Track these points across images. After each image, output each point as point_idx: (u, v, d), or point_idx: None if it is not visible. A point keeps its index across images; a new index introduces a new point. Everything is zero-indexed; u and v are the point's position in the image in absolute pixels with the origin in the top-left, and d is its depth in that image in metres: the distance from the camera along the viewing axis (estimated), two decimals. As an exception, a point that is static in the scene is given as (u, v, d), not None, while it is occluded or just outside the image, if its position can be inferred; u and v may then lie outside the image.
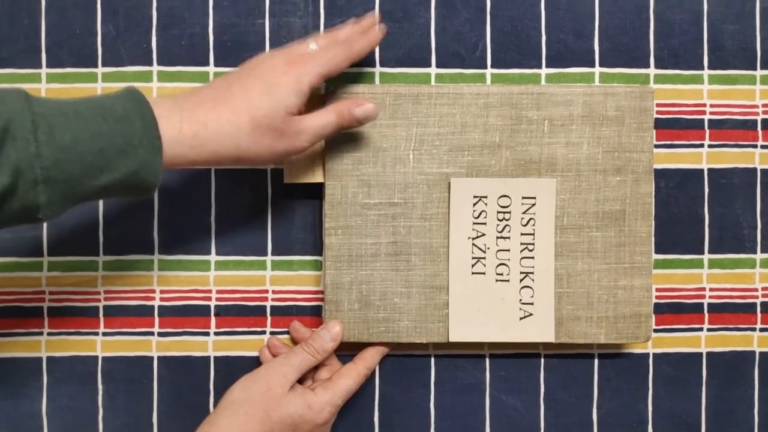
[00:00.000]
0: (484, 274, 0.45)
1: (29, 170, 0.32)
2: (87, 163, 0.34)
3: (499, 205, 0.45)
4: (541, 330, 0.46)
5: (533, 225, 0.46)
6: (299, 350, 0.44)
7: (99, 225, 0.47)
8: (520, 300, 0.46)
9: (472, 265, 0.45)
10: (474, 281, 0.45)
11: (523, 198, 0.45)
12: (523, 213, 0.45)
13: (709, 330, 0.49)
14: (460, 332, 0.45)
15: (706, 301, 0.49)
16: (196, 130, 0.37)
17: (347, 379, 0.44)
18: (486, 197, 0.45)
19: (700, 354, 0.49)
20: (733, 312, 0.49)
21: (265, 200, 0.48)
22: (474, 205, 0.45)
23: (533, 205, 0.45)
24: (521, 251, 0.46)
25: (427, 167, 0.45)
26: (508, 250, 0.46)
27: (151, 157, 0.35)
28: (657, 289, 0.49)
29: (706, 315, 0.49)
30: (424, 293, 0.46)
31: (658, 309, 0.49)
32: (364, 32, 0.43)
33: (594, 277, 0.46)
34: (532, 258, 0.46)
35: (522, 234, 0.46)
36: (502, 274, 0.46)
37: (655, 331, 0.48)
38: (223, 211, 0.47)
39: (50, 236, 0.47)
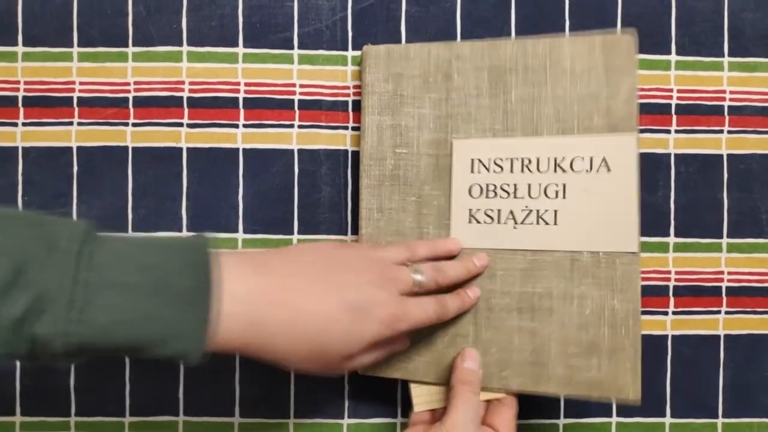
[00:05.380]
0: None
1: (52, 343, 0.29)
2: (118, 345, 0.31)
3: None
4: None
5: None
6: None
7: (128, 203, 0.48)
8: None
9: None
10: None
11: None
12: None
13: (726, 313, 0.49)
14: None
15: (724, 285, 0.49)
16: (259, 333, 0.33)
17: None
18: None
19: (718, 336, 0.49)
20: (750, 295, 0.49)
21: (292, 180, 0.48)
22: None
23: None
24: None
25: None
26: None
27: (192, 349, 0.32)
28: (676, 272, 0.49)
29: (724, 298, 0.49)
30: None
31: (677, 292, 0.49)
32: (468, 275, 0.42)
33: None
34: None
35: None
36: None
37: (674, 313, 0.49)
38: (251, 190, 0.48)
39: (79, 213, 0.48)
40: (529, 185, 0.43)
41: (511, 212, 0.43)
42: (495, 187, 0.43)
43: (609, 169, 0.41)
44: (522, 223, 0.43)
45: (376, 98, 0.45)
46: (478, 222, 0.44)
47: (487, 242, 0.44)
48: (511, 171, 0.43)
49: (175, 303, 0.31)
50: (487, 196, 0.44)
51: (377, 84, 0.45)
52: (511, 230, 0.43)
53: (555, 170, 0.42)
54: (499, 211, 0.43)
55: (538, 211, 0.43)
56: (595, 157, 0.42)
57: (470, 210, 0.44)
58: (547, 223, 0.42)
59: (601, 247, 0.41)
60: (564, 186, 0.42)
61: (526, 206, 0.43)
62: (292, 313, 0.34)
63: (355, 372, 0.47)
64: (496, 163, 0.43)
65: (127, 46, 0.48)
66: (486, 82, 0.44)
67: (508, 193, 0.43)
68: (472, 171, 0.44)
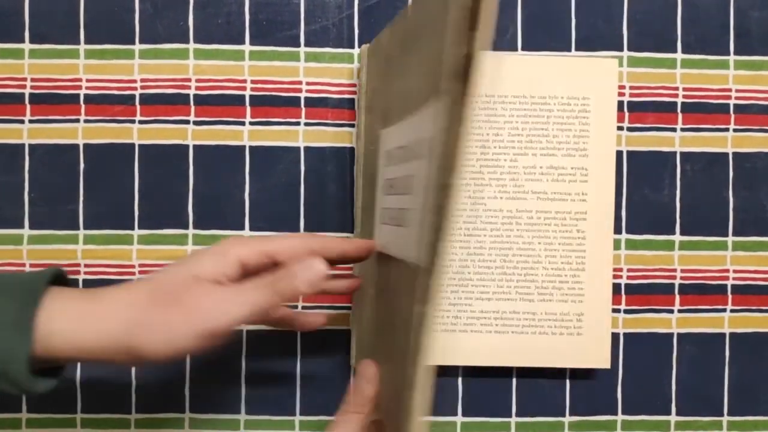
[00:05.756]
0: None
1: None
2: None
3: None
4: None
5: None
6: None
7: (134, 199, 0.48)
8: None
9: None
10: None
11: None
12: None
13: (732, 311, 0.49)
14: None
15: (729, 283, 0.50)
16: (87, 303, 0.30)
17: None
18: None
19: (723, 334, 0.49)
20: (756, 294, 0.50)
21: (298, 177, 0.48)
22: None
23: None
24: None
25: None
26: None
27: (16, 340, 0.29)
28: (682, 270, 0.49)
29: (730, 296, 0.49)
30: None
31: (683, 290, 0.49)
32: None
33: None
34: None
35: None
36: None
37: (680, 311, 0.49)
38: (257, 187, 0.48)
39: (86, 209, 0.48)
40: (402, 178, 0.33)
41: (393, 211, 0.34)
42: (391, 182, 0.35)
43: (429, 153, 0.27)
44: (398, 224, 0.33)
45: (368, 97, 0.45)
46: (387, 224, 0.35)
47: (388, 247, 0.35)
48: (398, 163, 0.33)
49: (2, 295, 0.30)
50: (388, 193, 0.35)
51: (369, 82, 0.45)
52: (394, 233, 0.33)
53: (415, 158, 0.30)
54: (392, 210, 0.35)
55: (403, 210, 0.32)
56: (423, 136, 0.29)
57: (382, 209, 0.37)
58: (403, 226, 0.32)
59: (412, 258, 0.29)
60: (412, 178, 0.31)
61: (399, 204, 0.33)
62: (129, 286, 0.32)
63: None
64: (394, 155, 0.34)
65: (133, 43, 0.48)
66: (402, 57, 0.35)
67: (393, 188, 0.34)
68: (386, 164, 0.36)
